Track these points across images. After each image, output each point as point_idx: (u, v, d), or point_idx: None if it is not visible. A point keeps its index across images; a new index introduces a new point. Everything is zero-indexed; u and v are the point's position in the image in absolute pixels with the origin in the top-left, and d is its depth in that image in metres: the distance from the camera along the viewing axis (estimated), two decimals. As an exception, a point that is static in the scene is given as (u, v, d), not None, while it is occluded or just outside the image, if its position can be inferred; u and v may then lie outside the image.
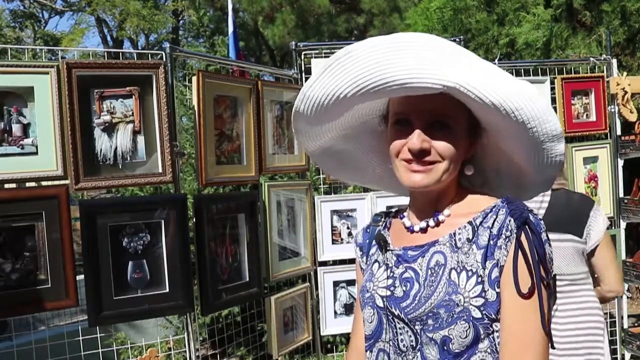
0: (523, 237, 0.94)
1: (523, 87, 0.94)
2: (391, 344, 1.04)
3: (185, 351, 2.33)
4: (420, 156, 0.99)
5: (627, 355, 3.26)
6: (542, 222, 0.97)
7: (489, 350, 0.95)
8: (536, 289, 0.92)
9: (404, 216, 1.12)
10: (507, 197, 1.00)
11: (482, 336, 0.95)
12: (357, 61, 0.93)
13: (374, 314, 1.07)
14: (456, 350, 0.95)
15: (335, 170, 1.25)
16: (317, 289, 2.91)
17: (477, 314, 0.94)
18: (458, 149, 1.00)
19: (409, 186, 1.02)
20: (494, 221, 0.97)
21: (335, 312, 2.91)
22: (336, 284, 2.91)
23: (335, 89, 0.97)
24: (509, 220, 0.95)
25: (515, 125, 0.94)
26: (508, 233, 0.95)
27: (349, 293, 2.92)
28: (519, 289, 0.92)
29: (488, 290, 0.95)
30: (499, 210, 0.98)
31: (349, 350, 1.23)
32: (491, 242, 0.96)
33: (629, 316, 3.33)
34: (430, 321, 0.97)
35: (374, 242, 1.16)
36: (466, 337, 0.94)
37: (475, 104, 0.94)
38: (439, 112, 0.98)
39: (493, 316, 0.95)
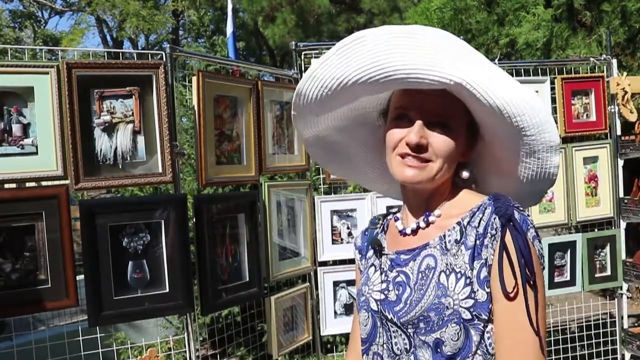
0: (508, 236, 0.94)
1: (528, 94, 0.94)
2: (385, 347, 1.04)
3: (185, 351, 2.33)
4: (416, 151, 0.98)
5: (627, 355, 3.25)
6: (529, 218, 0.97)
7: (480, 352, 0.95)
8: (521, 289, 0.92)
9: (397, 218, 1.13)
10: (494, 195, 1.00)
11: (475, 338, 0.95)
12: (368, 47, 0.92)
13: (368, 317, 1.08)
14: (449, 353, 0.95)
15: (325, 160, 1.24)
16: (317, 289, 2.91)
17: (467, 315, 0.94)
18: (454, 149, 1.00)
19: (402, 180, 1.02)
20: (480, 220, 0.96)
21: (335, 312, 2.91)
22: (336, 284, 2.91)
23: (343, 73, 0.95)
24: (494, 218, 0.95)
25: (514, 131, 0.94)
26: (493, 232, 0.94)
27: (348, 293, 2.92)
28: (505, 288, 0.92)
29: (478, 290, 0.95)
30: (486, 208, 0.97)
31: (348, 352, 1.24)
32: (477, 241, 0.96)
33: (629, 316, 3.32)
34: (422, 324, 0.97)
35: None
36: (458, 339, 0.94)
37: (477, 104, 0.93)
38: (439, 111, 0.98)
39: (484, 317, 0.95)
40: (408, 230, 1.07)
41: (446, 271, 0.97)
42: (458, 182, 1.09)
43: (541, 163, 1.00)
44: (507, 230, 0.94)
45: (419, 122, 0.98)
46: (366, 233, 1.21)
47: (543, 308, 0.94)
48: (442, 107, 0.98)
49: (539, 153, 0.98)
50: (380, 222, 1.19)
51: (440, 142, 0.98)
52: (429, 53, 0.89)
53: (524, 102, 0.92)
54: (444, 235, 1.01)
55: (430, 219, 1.05)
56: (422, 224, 1.06)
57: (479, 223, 0.96)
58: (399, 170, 1.01)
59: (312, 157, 1.27)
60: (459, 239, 0.98)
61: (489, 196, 1.00)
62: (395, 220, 1.13)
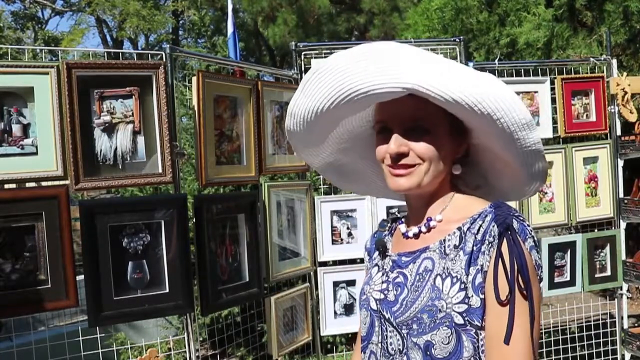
0: (504, 245, 0.94)
1: (483, 80, 0.95)
2: (380, 346, 1.06)
3: (185, 351, 2.33)
4: (398, 160, 1.01)
5: (627, 356, 3.26)
6: (529, 227, 0.97)
7: (472, 359, 0.95)
8: (510, 298, 0.92)
9: (402, 222, 1.15)
10: (496, 202, 1.01)
11: (466, 344, 0.95)
12: (325, 77, 0.98)
13: (367, 316, 1.10)
14: (439, 357, 0.96)
15: (343, 183, 1.31)
16: (317, 289, 2.91)
17: (459, 320, 0.95)
18: (439, 149, 1.01)
19: (394, 190, 1.05)
20: (480, 227, 0.98)
21: (335, 313, 2.91)
22: (336, 284, 2.91)
23: (312, 104, 1.02)
24: (493, 226, 0.96)
25: (483, 119, 0.95)
26: (491, 239, 0.95)
27: (348, 293, 2.92)
28: (498, 297, 0.93)
29: (472, 296, 0.95)
30: (486, 216, 0.98)
31: (354, 352, 1.26)
32: (474, 248, 0.97)
33: (629, 316, 3.32)
34: (415, 326, 0.98)
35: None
36: (448, 343, 0.95)
37: (441, 102, 0.95)
38: (415, 116, 1.01)
39: (477, 323, 0.95)
40: (410, 234, 1.10)
41: (442, 275, 0.99)
42: (459, 185, 1.10)
43: (522, 142, 0.99)
44: (505, 238, 0.94)
45: (395, 134, 1.02)
46: (375, 235, 1.24)
47: (536, 319, 0.94)
48: (416, 112, 1.00)
49: (515, 133, 0.97)
50: (389, 225, 1.21)
51: (421, 146, 1.01)
52: (380, 66, 0.93)
53: (481, 88, 0.93)
54: (444, 240, 1.02)
55: (432, 223, 1.07)
56: (424, 229, 1.08)
57: (478, 230, 0.97)
58: (390, 181, 1.05)
59: (329, 180, 1.34)
60: (457, 244, 1.00)
61: (491, 204, 1.01)
62: (400, 224, 1.15)
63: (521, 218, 0.98)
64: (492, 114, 0.94)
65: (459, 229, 1.01)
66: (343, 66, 0.96)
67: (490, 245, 0.95)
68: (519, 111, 0.96)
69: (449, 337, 0.95)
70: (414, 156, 1.01)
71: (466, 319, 0.95)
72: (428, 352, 0.96)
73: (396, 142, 1.01)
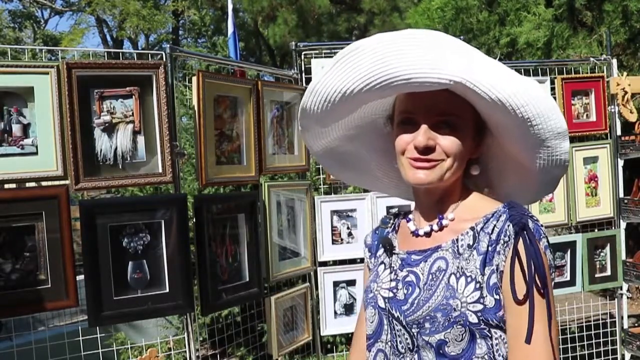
0: (520, 244, 0.93)
1: (529, 84, 0.94)
2: (390, 344, 1.05)
3: (185, 351, 2.33)
4: (425, 153, 0.98)
5: (627, 356, 3.26)
6: (542, 228, 0.96)
7: (486, 357, 0.95)
8: (528, 298, 0.92)
9: (410, 219, 1.13)
10: (509, 202, 1.00)
11: (479, 341, 0.95)
12: (364, 57, 0.92)
13: (375, 314, 1.08)
14: (452, 354, 0.95)
15: (338, 171, 1.26)
16: (317, 289, 2.91)
17: (473, 319, 0.94)
18: (463, 147, 1.00)
19: (413, 183, 1.02)
20: (494, 227, 0.96)
21: (335, 313, 2.91)
22: (336, 284, 2.91)
23: (342, 84, 0.96)
24: (508, 226, 0.95)
25: (520, 122, 0.94)
26: (506, 239, 0.94)
27: (349, 293, 2.92)
28: (516, 296, 0.92)
29: (487, 296, 0.94)
30: (500, 215, 0.97)
31: (351, 350, 1.24)
32: (489, 248, 0.95)
33: (629, 316, 3.32)
34: (427, 325, 0.97)
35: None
36: (462, 340, 0.94)
37: (481, 101, 0.93)
38: (445, 111, 0.98)
39: (491, 322, 0.94)
40: (421, 232, 1.08)
41: (456, 274, 0.97)
42: (469, 185, 1.08)
43: (551, 151, 0.99)
44: (520, 238, 0.93)
45: (424, 125, 0.98)
46: (377, 232, 1.22)
47: (554, 317, 0.93)
48: (447, 106, 0.98)
49: (547, 141, 0.97)
50: (392, 221, 1.19)
51: (448, 142, 0.98)
52: (426, 55, 0.89)
53: (526, 92, 0.92)
54: (457, 239, 1.01)
55: (444, 222, 1.05)
56: (436, 227, 1.06)
57: (493, 230, 0.96)
58: (410, 174, 1.01)
59: (326, 169, 1.28)
60: (471, 243, 0.99)
61: (504, 203, 1.00)
62: (407, 221, 1.13)
63: (535, 218, 0.97)
64: (532, 119, 0.93)
65: (472, 228, 0.99)
66: (385, 49, 0.90)
67: (505, 244, 0.94)
68: (557, 119, 0.95)
69: (462, 335, 0.94)
70: (440, 151, 0.98)
71: (481, 318, 0.94)
72: (440, 351, 0.95)
73: (425, 135, 0.97)
